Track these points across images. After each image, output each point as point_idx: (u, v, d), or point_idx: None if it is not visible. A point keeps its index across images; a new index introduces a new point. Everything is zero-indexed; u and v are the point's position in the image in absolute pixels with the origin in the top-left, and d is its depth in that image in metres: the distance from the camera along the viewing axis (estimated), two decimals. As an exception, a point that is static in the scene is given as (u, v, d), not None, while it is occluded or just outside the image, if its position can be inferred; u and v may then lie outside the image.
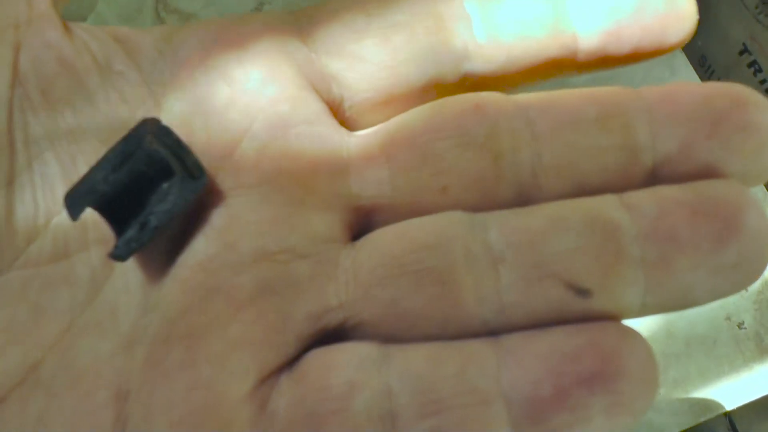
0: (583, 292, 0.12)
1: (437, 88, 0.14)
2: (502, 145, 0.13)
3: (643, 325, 0.35)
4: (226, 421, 0.11)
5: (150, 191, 0.12)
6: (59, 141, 0.13)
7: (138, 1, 0.43)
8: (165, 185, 0.12)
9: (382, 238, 0.13)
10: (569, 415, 0.11)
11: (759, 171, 0.12)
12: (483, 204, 0.13)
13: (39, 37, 0.13)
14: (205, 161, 0.13)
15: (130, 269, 0.13)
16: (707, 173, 0.12)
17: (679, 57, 0.40)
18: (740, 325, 0.35)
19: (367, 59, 0.13)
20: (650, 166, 0.13)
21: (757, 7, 0.49)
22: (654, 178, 0.13)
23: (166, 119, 0.13)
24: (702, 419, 0.33)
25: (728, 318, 0.35)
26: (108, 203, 0.12)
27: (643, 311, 0.12)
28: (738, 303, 0.35)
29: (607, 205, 0.12)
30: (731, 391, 0.34)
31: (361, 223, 0.13)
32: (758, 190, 0.38)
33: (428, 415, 0.11)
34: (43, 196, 0.13)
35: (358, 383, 0.11)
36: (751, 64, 0.51)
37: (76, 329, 0.12)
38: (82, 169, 0.13)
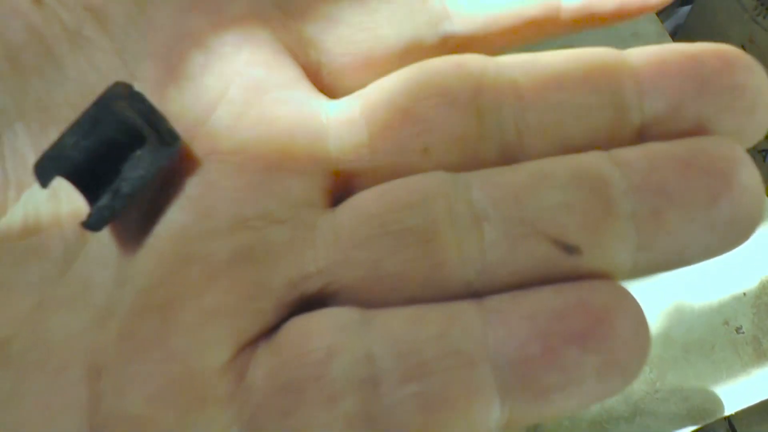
0: (571, 248, 0.11)
1: (417, 51, 0.14)
2: (485, 104, 0.12)
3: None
4: (201, 393, 0.11)
5: (123, 159, 0.12)
6: (29, 110, 0.13)
7: None
8: (138, 152, 0.12)
9: (362, 199, 0.12)
10: (560, 375, 0.10)
11: (751, 130, 0.12)
12: (466, 164, 0.12)
13: (6, 4, 0.13)
14: (179, 128, 0.13)
15: (105, 241, 0.12)
16: (698, 132, 0.12)
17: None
18: (738, 330, 0.35)
19: (344, 21, 0.13)
20: (638, 125, 0.12)
21: (755, 9, 0.48)
22: (643, 137, 0.12)
23: (139, 86, 0.13)
24: (700, 424, 0.33)
25: (726, 322, 0.35)
26: (80, 172, 0.12)
27: (635, 271, 0.12)
28: (736, 307, 0.35)
29: (595, 159, 0.12)
30: (730, 396, 0.34)
31: (342, 189, 0.13)
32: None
33: (411, 379, 0.11)
34: (14, 167, 0.12)
35: (337, 348, 0.11)
36: (749, 66, 0.51)
37: (48, 304, 0.12)
38: (54, 138, 0.12)
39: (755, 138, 0.12)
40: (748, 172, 0.11)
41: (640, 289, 0.35)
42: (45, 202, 0.12)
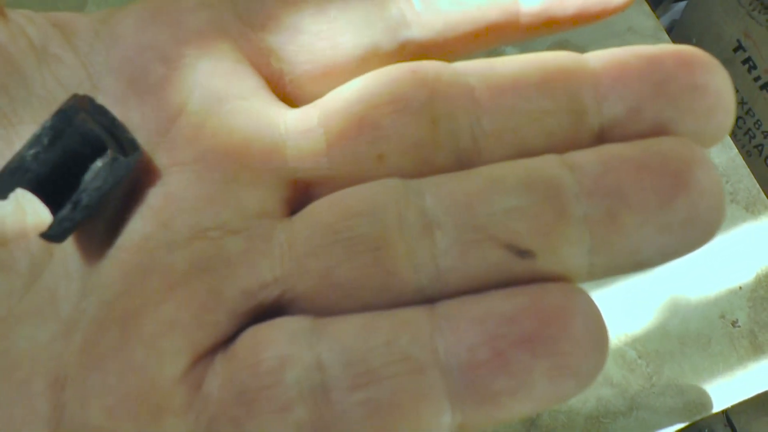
0: (523, 253, 0.11)
1: (377, 57, 0.14)
2: (440, 111, 0.12)
3: (637, 323, 0.35)
4: (159, 404, 0.11)
5: (85, 169, 0.12)
6: None
7: (127, 2, 0.43)
8: (98, 163, 0.12)
9: (316, 208, 0.12)
10: (510, 379, 0.10)
11: (711, 131, 0.12)
12: (421, 171, 0.12)
13: None
14: (141, 139, 0.13)
15: (70, 254, 0.12)
16: (658, 134, 0.12)
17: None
18: (734, 323, 0.35)
19: (304, 31, 0.13)
20: (597, 129, 0.12)
21: (750, 4, 0.48)
22: (602, 141, 0.12)
23: (103, 99, 0.13)
24: (697, 417, 0.33)
25: (722, 316, 0.35)
26: (43, 183, 0.12)
27: (592, 273, 0.12)
28: (732, 301, 0.35)
29: (547, 163, 0.12)
30: (726, 390, 0.34)
31: (301, 196, 0.13)
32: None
33: (360, 386, 0.11)
34: None
35: (289, 358, 0.11)
36: (745, 61, 0.51)
37: (14, 317, 0.12)
38: None
39: (717, 139, 0.12)
40: (706, 172, 0.11)
41: (636, 283, 0.35)
42: (10, 215, 0.13)
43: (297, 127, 0.13)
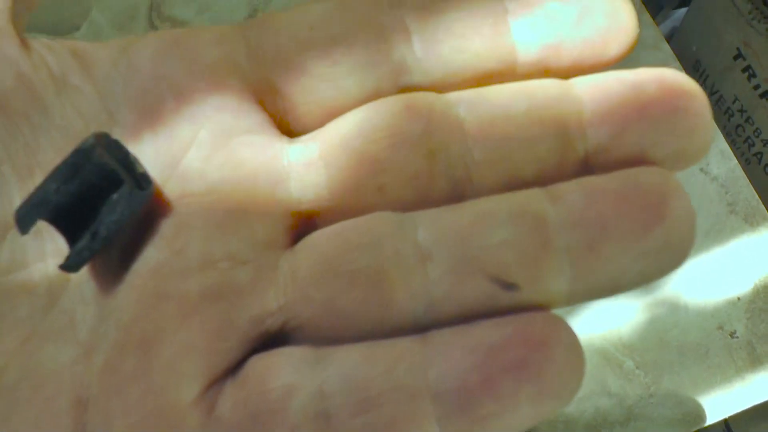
0: (509, 285, 0.12)
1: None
2: (435, 144, 0.13)
3: (635, 333, 0.35)
4: (177, 425, 0.12)
5: (101, 202, 0.13)
6: (16, 154, 0.13)
7: (132, 8, 0.43)
8: (114, 196, 0.13)
9: (318, 240, 0.13)
10: (496, 403, 0.11)
11: (692, 153, 0.13)
12: (419, 200, 0.13)
13: None
14: (153, 171, 0.13)
15: (85, 279, 0.13)
16: (640, 158, 0.13)
17: (673, 64, 0.40)
18: (732, 334, 0.35)
19: (308, 72, 0.14)
20: (582, 155, 0.13)
21: (750, 13, 0.48)
22: (588, 166, 0.13)
23: (118, 131, 0.14)
24: (694, 428, 0.33)
25: (720, 327, 0.35)
26: (61, 215, 0.13)
27: (572, 299, 0.12)
28: (730, 312, 0.35)
29: (533, 198, 0.12)
30: (724, 401, 0.34)
31: (304, 226, 0.14)
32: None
33: (360, 413, 0.11)
34: (2, 207, 0.13)
35: (295, 386, 0.12)
36: (745, 69, 0.51)
37: (37, 337, 0.13)
38: (39, 181, 0.13)
39: (697, 158, 0.13)
40: (679, 201, 0.12)
41: (634, 294, 0.35)
42: (30, 240, 0.13)
43: (299, 160, 0.14)
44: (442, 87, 0.14)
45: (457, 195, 0.13)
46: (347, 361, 0.12)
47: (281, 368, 0.12)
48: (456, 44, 0.14)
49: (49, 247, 0.13)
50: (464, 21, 0.14)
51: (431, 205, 0.13)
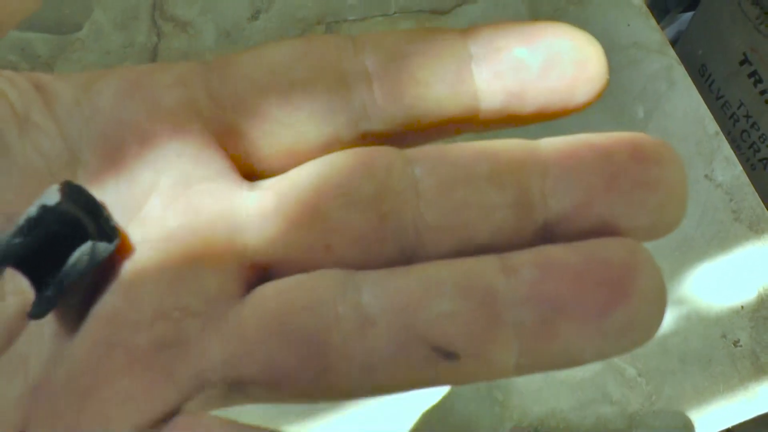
0: (449, 354, 0.12)
1: (337, 145, 0.14)
2: (386, 207, 0.13)
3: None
4: None
5: (66, 248, 0.13)
6: None
7: (134, 8, 0.43)
8: (82, 247, 0.13)
9: (266, 294, 0.13)
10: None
11: (663, 226, 0.12)
12: (367, 261, 0.13)
13: None
14: (116, 215, 0.14)
15: (45, 320, 0.13)
16: (606, 229, 0.12)
17: (678, 69, 0.40)
18: (736, 343, 0.34)
19: (269, 117, 0.14)
20: (541, 223, 0.13)
21: (758, 18, 0.48)
22: (548, 234, 0.13)
23: (81, 173, 0.14)
24: (696, 438, 0.33)
25: (724, 336, 0.35)
26: (26, 262, 0.13)
27: (520, 371, 0.12)
28: (734, 321, 0.35)
29: (485, 267, 0.12)
30: (727, 410, 0.34)
31: (258, 277, 0.14)
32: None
33: None
34: None
35: None
36: (751, 74, 0.51)
37: None
38: None
39: (669, 231, 0.12)
40: (648, 276, 0.11)
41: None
42: None
43: (257, 211, 0.14)
44: (402, 133, 0.14)
45: (405, 258, 0.13)
46: None
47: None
48: (418, 91, 0.14)
49: (9, 287, 0.13)
50: (427, 68, 0.14)
51: (380, 266, 0.13)
